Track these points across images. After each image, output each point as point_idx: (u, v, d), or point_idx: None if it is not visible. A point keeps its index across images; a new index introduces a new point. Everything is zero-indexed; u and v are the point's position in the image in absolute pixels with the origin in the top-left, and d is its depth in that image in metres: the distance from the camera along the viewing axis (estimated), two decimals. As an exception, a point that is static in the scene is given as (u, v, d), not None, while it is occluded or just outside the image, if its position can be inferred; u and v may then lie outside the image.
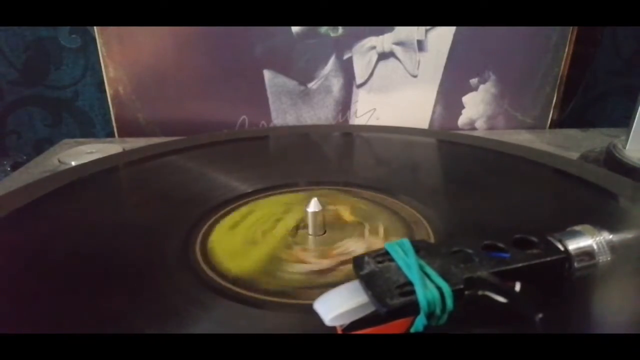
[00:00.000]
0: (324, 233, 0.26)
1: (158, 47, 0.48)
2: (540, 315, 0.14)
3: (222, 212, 0.28)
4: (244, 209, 0.29)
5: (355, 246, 0.25)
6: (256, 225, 0.27)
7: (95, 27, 0.47)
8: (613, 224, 0.18)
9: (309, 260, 0.23)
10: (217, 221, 0.27)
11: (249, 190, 0.31)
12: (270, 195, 0.31)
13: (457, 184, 0.33)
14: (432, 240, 0.25)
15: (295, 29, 0.48)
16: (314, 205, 0.25)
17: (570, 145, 0.44)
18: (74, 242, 0.25)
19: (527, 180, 0.33)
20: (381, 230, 0.26)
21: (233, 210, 0.29)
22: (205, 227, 0.27)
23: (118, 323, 0.19)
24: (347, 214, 0.28)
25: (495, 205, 0.29)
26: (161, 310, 0.19)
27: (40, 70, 0.53)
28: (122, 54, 0.48)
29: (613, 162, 0.36)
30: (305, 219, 0.26)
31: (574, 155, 0.41)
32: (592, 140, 0.46)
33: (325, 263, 0.23)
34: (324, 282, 0.21)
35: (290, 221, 0.27)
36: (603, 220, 0.18)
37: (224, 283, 0.21)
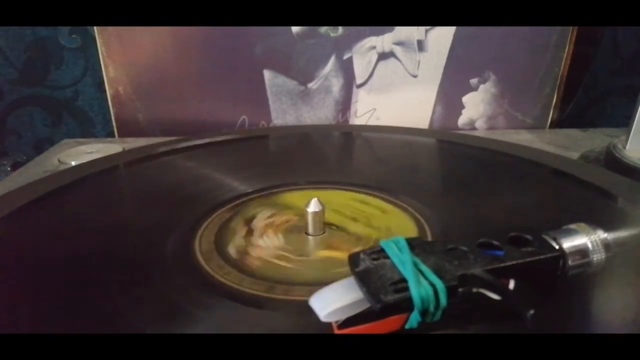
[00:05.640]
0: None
1: (158, 47, 0.48)
2: (532, 312, 0.14)
3: (222, 211, 0.28)
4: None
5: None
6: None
7: (95, 27, 0.47)
8: (612, 224, 0.18)
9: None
10: (217, 221, 0.27)
11: (249, 190, 0.31)
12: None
13: (457, 183, 0.33)
14: (432, 240, 0.25)
15: (295, 29, 0.48)
16: (314, 205, 0.25)
17: (570, 145, 0.44)
18: (74, 242, 0.25)
19: (526, 180, 0.33)
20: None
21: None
22: (206, 227, 0.27)
23: (118, 323, 0.19)
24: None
25: (495, 205, 0.29)
26: (161, 310, 0.19)
27: (40, 70, 0.53)
28: (122, 54, 0.48)
29: (613, 162, 0.36)
30: (305, 219, 0.26)
31: (574, 155, 0.41)
32: (592, 140, 0.45)
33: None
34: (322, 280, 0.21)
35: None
36: (603, 220, 0.18)
37: (224, 283, 0.21)
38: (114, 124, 0.50)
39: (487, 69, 0.49)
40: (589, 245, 0.17)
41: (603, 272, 0.18)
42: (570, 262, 0.17)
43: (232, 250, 0.24)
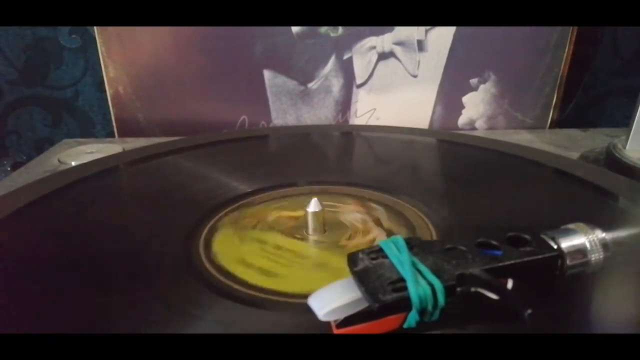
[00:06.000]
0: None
1: (158, 47, 0.48)
2: (530, 312, 0.14)
3: (223, 212, 0.28)
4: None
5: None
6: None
7: (95, 27, 0.47)
8: (612, 224, 0.18)
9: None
10: (217, 221, 0.27)
11: (249, 190, 0.31)
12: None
13: (457, 183, 0.33)
14: (432, 239, 0.25)
15: (295, 29, 0.48)
16: (314, 205, 0.25)
17: (570, 145, 0.44)
18: (74, 242, 0.25)
19: (526, 180, 0.33)
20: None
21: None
22: (205, 227, 0.27)
23: (118, 323, 0.19)
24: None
25: (495, 205, 0.29)
26: (161, 310, 0.19)
27: (40, 70, 0.53)
28: (122, 54, 0.48)
29: (613, 162, 0.36)
30: (305, 219, 0.26)
31: (574, 155, 0.41)
32: (592, 140, 0.45)
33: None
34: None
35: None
36: (602, 220, 0.18)
37: (224, 283, 0.21)
38: (114, 124, 0.51)
39: (487, 69, 0.49)
40: (587, 245, 0.17)
41: (602, 272, 0.18)
42: (568, 262, 0.17)
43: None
